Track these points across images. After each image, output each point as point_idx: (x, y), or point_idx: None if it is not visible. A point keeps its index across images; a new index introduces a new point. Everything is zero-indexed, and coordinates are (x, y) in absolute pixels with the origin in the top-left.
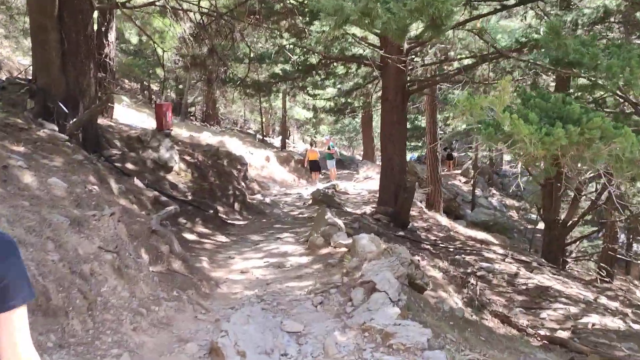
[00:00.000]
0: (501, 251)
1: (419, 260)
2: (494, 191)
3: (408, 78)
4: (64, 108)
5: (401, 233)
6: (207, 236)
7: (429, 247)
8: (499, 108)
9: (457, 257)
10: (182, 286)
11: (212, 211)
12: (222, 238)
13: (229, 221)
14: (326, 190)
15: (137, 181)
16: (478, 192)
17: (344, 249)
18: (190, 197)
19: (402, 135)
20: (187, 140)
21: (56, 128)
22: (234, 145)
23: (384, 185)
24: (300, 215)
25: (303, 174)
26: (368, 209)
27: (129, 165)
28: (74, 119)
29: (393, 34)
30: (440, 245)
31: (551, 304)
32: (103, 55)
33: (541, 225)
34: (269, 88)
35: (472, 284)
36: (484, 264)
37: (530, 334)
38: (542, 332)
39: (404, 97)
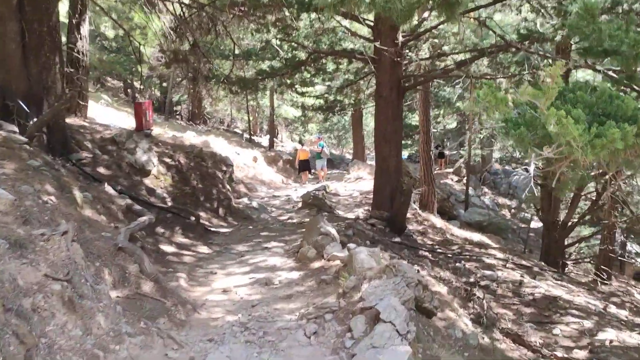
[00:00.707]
0: (501, 255)
1: (418, 270)
2: (486, 190)
3: (403, 73)
4: (25, 107)
5: (398, 239)
6: (187, 247)
7: (427, 253)
8: (545, 103)
9: (457, 264)
10: (152, 314)
11: (193, 218)
12: (204, 249)
13: (212, 229)
14: (316, 193)
15: (108, 187)
16: (470, 191)
17: (339, 263)
18: (169, 203)
19: (398, 133)
20: (169, 141)
21: (16, 129)
22: (220, 145)
23: (378, 187)
24: (290, 221)
25: (291, 174)
26: (361, 212)
27: (101, 170)
28: (35, 119)
29: (398, 15)
30: (439, 251)
31: (562, 317)
32: (74, 50)
33: (534, 225)
34: (256, 85)
35: (479, 298)
36: (487, 272)
37: (547, 356)
38: (558, 354)
39: (399, 94)
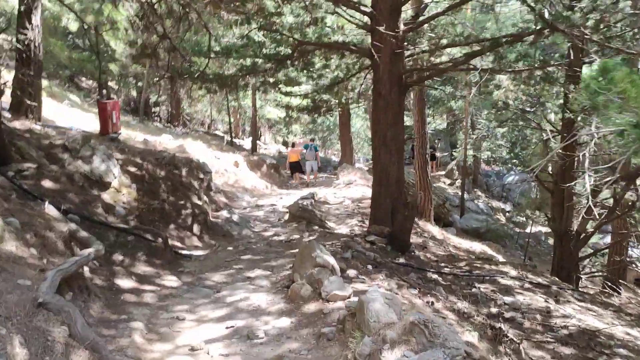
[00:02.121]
0: (514, 273)
1: (432, 302)
2: (479, 192)
3: (405, 68)
4: None
5: (401, 259)
6: (150, 280)
7: (435, 276)
8: None
9: (473, 289)
10: None
11: (160, 240)
12: (171, 281)
13: (184, 252)
14: (304, 203)
15: (49, 207)
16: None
17: (342, 305)
18: (132, 223)
19: (399, 138)
20: (139, 146)
21: None
22: (198, 149)
23: (377, 200)
24: (276, 238)
25: (276, 179)
26: (355, 224)
27: (47, 183)
28: None
29: None
30: (448, 271)
31: (610, 359)
32: (24, 42)
33: (532, 230)
34: (236, 83)
35: (511, 340)
36: (507, 298)
37: None
38: None
39: (400, 91)
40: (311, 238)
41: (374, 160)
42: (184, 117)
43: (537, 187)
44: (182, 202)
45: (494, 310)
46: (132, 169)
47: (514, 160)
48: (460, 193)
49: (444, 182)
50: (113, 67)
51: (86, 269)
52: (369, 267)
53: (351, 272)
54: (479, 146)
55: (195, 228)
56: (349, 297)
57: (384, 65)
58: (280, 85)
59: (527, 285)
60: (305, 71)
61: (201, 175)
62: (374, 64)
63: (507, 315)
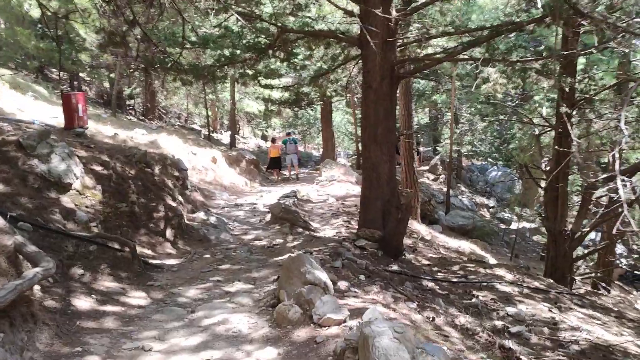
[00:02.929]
0: (510, 277)
1: (433, 318)
2: (463, 188)
3: (397, 58)
4: None
5: (394, 267)
6: (114, 298)
7: (431, 284)
8: None
9: (473, 300)
10: None
11: (127, 249)
12: (138, 298)
13: (154, 262)
14: (287, 203)
15: None
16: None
17: (337, 332)
18: (96, 229)
19: (391, 134)
20: (108, 141)
21: None
22: (173, 144)
23: (367, 200)
24: (258, 243)
25: (256, 176)
26: (340, 224)
27: None
28: None
29: None
30: (442, 277)
31: None
32: None
33: (514, 225)
34: (213, 74)
35: None
36: (509, 309)
37: None
38: None
39: (392, 83)
40: (296, 243)
41: (364, 158)
42: (159, 111)
43: (522, 182)
44: (154, 204)
45: (498, 323)
46: (98, 168)
47: (494, 155)
48: (444, 189)
49: (428, 178)
50: (83, 57)
51: (37, 288)
52: (361, 277)
53: (342, 284)
54: (462, 141)
55: (169, 233)
56: (344, 322)
57: (375, 56)
58: (260, 78)
59: (525, 290)
60: (287, 62)
61: (176, 173)
62: (364, 54)
63: (513, 329)
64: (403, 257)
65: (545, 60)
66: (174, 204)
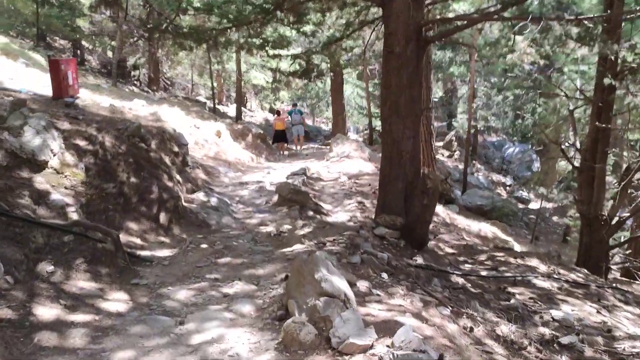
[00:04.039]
0: (544, 268)
1: (471, 328)
2: (478, 165)
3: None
4: None
5: (419, 260)
6: (87, 302)
7: (461, 279)
8: None
9: (512, 302)
10: None
11: (110, 240)
12: (117, 303)
13: (143, 254)
14: (295, 182)
15: None
16: (462, 166)
17: None
18: (75, 216)
19: (416, 105)
20: (103, 113)
21: None
22: (174, 117)
23: (387, 182)
24: (263, 229)
25: (262, 150)
26: (355, 206)
27: None
28: None
29: None
30: (472, 271)
31: None
32: None
33: (534, 205)
34: (215, 38)
35: None
36: (555, 313)
37: None
38: None
39: (419, 48)
40: (306, 230)
41: (383, 133)
42: (164, 82)
43: (540, 160)
44: (147, 183)
45: (545, 331)
46: (81, 143)
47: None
48: (459, 166)
49: (442, 154)
50: (82, 23)
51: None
52: (384, 275)
53: (362, 285)
54: (477, 116)
55: (163, 217)
56: (371, 347)
57: (399, 16)
58: (267, 48)
59: (564, 285)
60: (296, 27)
61: (175, 149)
62: (386, 13)
63: (564, 340)
64: (430, 250)
65: (588, 23)
66: (170, 184)
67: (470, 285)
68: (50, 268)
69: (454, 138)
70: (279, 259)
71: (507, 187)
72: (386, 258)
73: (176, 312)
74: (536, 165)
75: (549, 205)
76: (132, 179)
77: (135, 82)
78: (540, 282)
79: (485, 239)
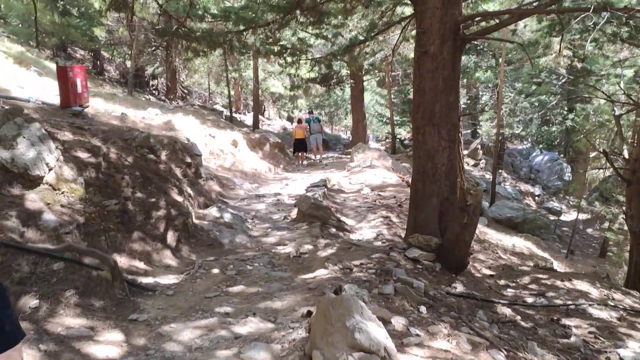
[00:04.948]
0: (596, 293)
1: None
2: (505, 174)
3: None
4: None
5: (458, 288)
6: (73, 346)
7: (508, 310)
8: None
9: (573, 340)
10: None
11: (106, 267)
12: (110, 346)
13: (145, 281)
14: (316, 196)
15: None
16: (488, 175)
17: None
18: (69, 238)
19: (453, 113)
20: (112, 122)
21: None
22: (189, 126)
23: (419, 198)
24: (281, 249)
25: (280, 160)
26: (380, 221)
27: None
28: None
29: None
30: (513, 296)
31: None
32: None
33: (566, 216)
34: (231, 42)
35: None
36: (624, 353)
37: None
38: None
39: (456, 48)
40: (329, 252)
41: (416, 144)
42: (181, 91)
43: (571, 169)
44: (154, 199)
45: None
46: (83, 155)
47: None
48: (486, 175)
49: (467, 163)
50: (98, 32)
51: None
52: (422, 309)
53: (398, 322)
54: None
55: (170, 237)
56: None
57: (433, 11)
58: (285, 55)
59: (623, 313)
60: (317, 28)
61: (188, 159)
62: (418, 9)
63: None
64: (469, 274)
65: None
66: (180, 199)
67: (519, 317)
68: (35, 302)
69: (479, 146)
70: (300, 287)
71: (536, 198)
72: (423, 287)
73: (177, 359)
74: (567, 175)
75: (582, 216)
76: (138, 194)
77: (153, 91)
78: (597, 312)
79: (522, 256)
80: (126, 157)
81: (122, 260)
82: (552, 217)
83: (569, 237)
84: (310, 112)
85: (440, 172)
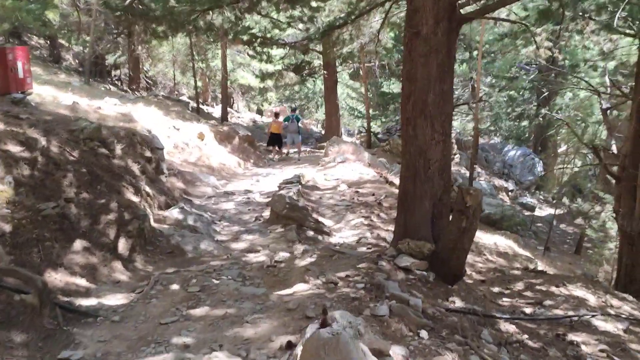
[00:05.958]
0: (593, 300)
1: None
2: (479, 169)
3: None
4: None
5: (457, 302)
6: None
7: (511, 326)
8: None
9: (577, 352)
10: None
11: (33, 289)
12: None
13: (85, 304)
14: (291, 194)
15: None
16: (463, 170)
17: None
18: None
19: (447, 103)
20: (59, 112)
21: None
22: (151, 117)
23: (409, 199)
24: (253, 257)
25: (250, 155)
26: (360, 221)
27: None
28: None
29: None
30: (517, 313)
31: None
32: None
33: (539, 212)
34: (194, 23)
35: None
36: None
37: None
38: None
39: (451, 29)
40: (309, 260)
41: (406, 138)
42: (145, 81)
43: (541, 163)
44: (104, 200)
45: None
46: (15, 149)
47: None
48: (461, 171)
49: None
50: (52, 16)
51: None
52: (422, 333)
53: (397, 355)
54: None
55: (122, 245)
56: None
57: None
58: (256, 43)
59: (629, 325)
60: (291, 8)
61: (148, 154)
62: None
63: None
64: (464, 282)
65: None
66: (135, 199)
67: (525, 335)
68: None
69: (453, 140)
70: (276, 308)
71: (510, 193)
72: (420, 304)
73: None
74: (539, 169)
75: (558, 211)
76: (84, 195)
77: (115, 81)
78: (602, 324)
79: (507, 256)
80: (71, 152)
81: (57, 277)
82: (526, 213)
83: (544, 233)
84: (293, 110)
85: (433, 169)
